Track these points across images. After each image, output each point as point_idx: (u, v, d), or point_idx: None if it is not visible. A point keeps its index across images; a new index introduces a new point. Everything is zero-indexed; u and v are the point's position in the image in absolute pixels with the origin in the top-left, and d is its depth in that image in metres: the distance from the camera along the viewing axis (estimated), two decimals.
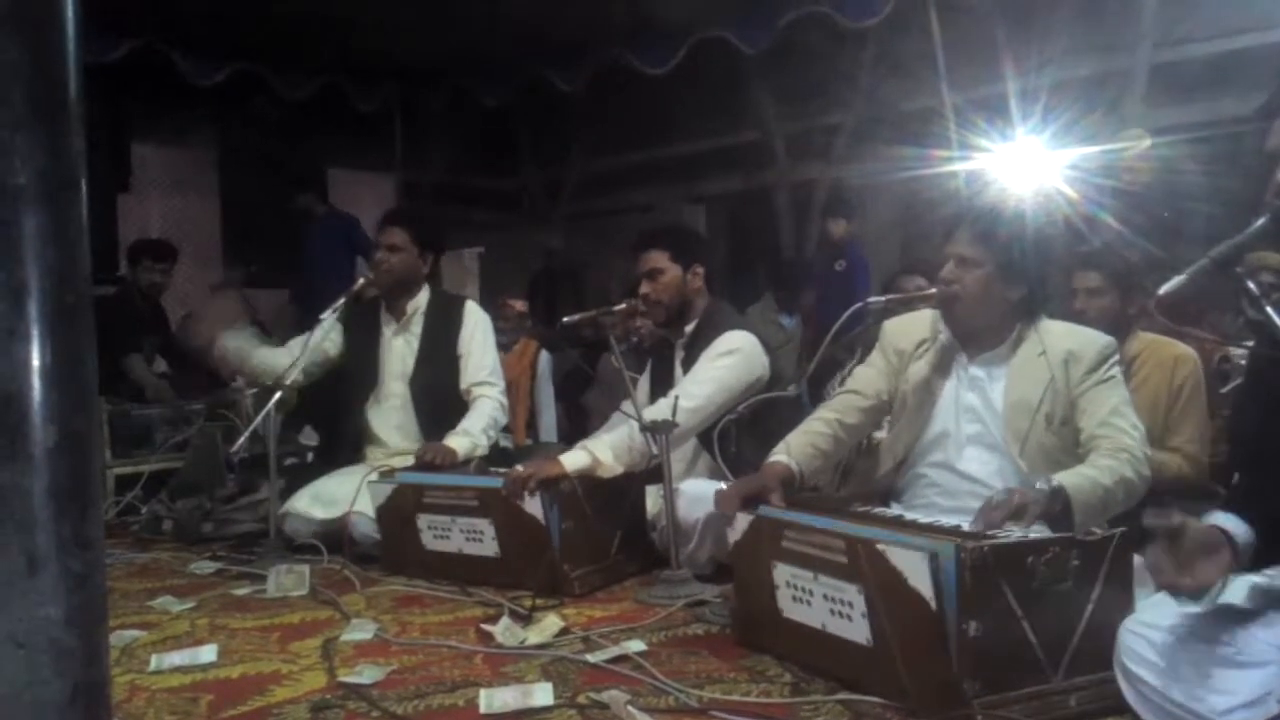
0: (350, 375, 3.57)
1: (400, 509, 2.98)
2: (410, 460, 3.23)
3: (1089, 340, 2.26)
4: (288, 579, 2.86)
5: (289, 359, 3.42)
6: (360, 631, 2.44)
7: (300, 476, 3.52)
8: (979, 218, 2.31)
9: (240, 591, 2.88)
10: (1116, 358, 2.27)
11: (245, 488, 3.77)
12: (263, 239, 6.87)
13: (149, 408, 4.51)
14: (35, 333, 0.67)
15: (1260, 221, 1.47)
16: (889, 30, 5.79)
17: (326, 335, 3.48)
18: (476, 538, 2.84)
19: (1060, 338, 2.27)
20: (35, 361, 0.67)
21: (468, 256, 8.58)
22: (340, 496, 3.24)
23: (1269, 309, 1.42)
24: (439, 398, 3.45)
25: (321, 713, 1.94)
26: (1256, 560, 1.51)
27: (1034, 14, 5.71)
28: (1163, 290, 1.51)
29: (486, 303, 4.13)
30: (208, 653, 2.28)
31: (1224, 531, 1.46)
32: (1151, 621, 1.60)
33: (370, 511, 3.11)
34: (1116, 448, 2.12)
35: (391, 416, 3.51)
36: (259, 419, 3.17)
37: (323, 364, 3.56)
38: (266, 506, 3.42)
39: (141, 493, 4.06)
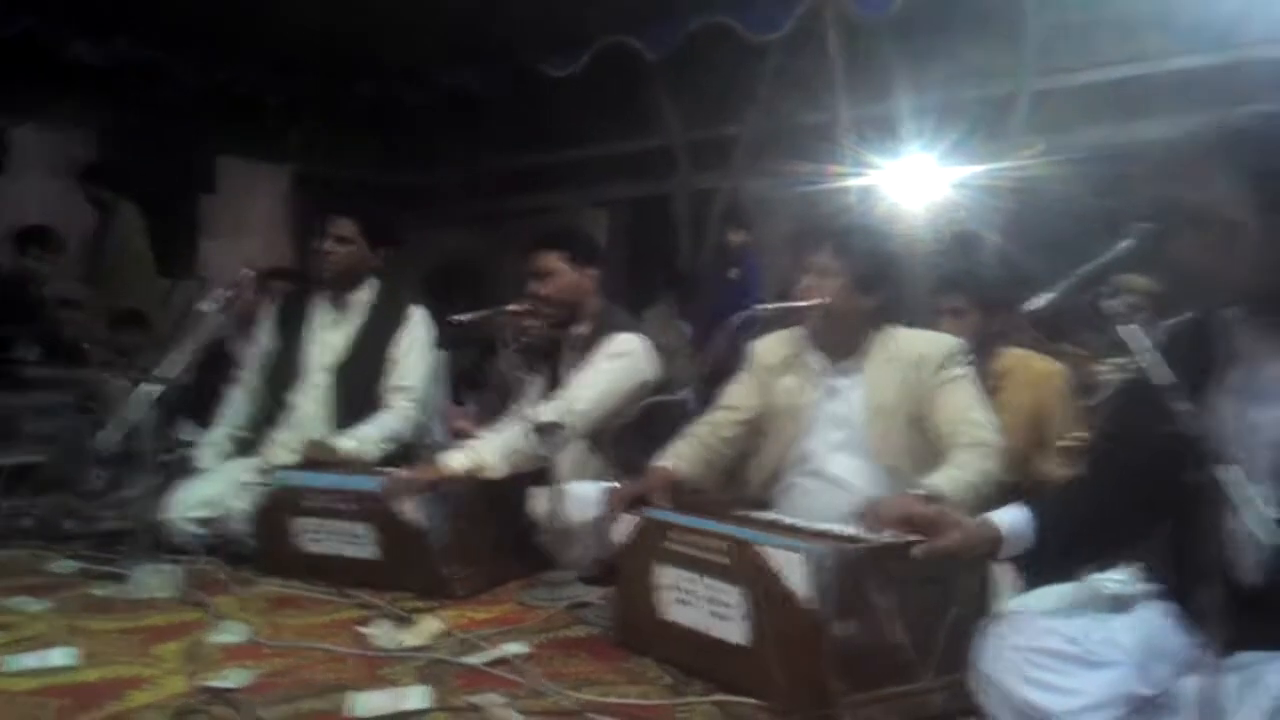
0: (275, 360, 3.45)
1: (277, 510, 2.91)
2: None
3: (937, 341, 2.38)
4: (155, 579, 2.74)
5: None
6: (230, 634, 2.35)
7: (181, 472, 3.39)
8: (835, 231, 2.44)
9: (103, 592, 2.75)
10: (965, 357, 2.37)
11: (114, 483, 3.61)
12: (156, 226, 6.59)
13: (15, 397, 4.29)
14: None
15: (1125, 243, 1.52)
16: (789, 45, 5.91)
17: (217, 328, 3.35)
18: (355, 541, 2.78)
19: (910, 342, 2.38)
20: None
21: None
22: (218, 496, 3.13)
23: (1119, 328, 1.48)
24: (358, 392, 3.34)
25: (182, 718, 1.87)
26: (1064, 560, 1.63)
27: (925, 37, 5.90)
28: (1030, 306, 1.57)
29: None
30: (62, 655, 2.17)
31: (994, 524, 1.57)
32: (1008, 622, 1.65)
33: (245, 513, 3.02)
34: (974, 442, 2.21)
35: (309, 405, 3.38)
36: (136, 412, 3.03)
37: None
38: (136, 504, 3.27)
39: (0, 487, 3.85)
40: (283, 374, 3.40)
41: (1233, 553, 1.44)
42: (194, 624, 2.45)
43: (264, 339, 3.49)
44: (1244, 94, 5.70)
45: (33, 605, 2.60)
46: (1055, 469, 2.79)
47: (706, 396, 3.41)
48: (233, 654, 2.22)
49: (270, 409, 3.41)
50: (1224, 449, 1.38)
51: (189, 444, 4.24)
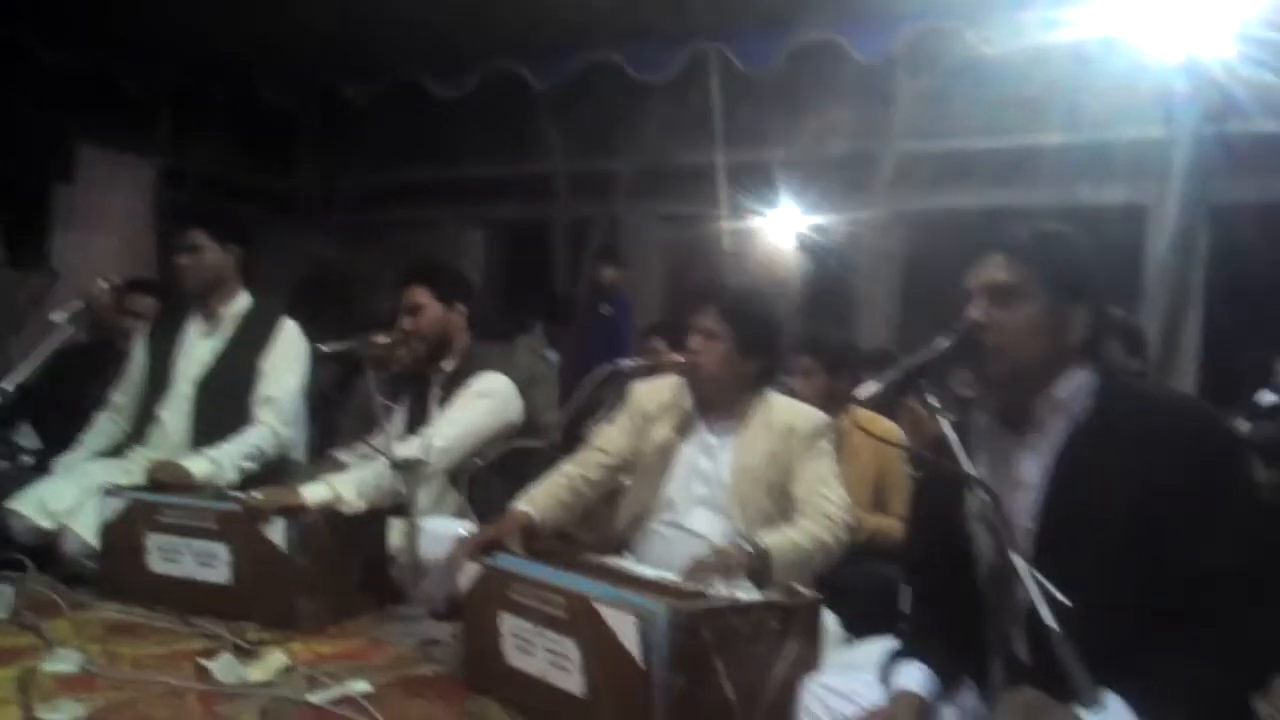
0: (145, 376, 3.34)
1: (130, 526, 2.84)
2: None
3: (808, 416, 2.50)
4: None
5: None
6: (64, 662, 2.29)
7: (17, 482, 3.25)
8: (724, 294, 2.52)
9: None
10: (831, 434, 2.52)
11: None
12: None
13: None
14: None
15: (946, 343, 1.67)
16: (674, 89, 6.09)
17: (67, 339, 3.25)
18: (209, 562, 2.74)
19: (784, 412, 2.50)
20: None
21: None
22: (62, 508, 3.02)
23: (944, 424, 1.63)
24: (224, 405, 3.25)
25: None
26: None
27: (802, 93, 6.17)
28: (859, 394, 1.71)
29: None
30: None
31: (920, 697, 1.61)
32: (829, 684, 1.79)
33: (84, 530, 2.93)
34: (819, 513, 2.35)
35: (176, 419, 3.28)
36: None
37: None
38: None
39: None
40: (151, 389, 3.32)
41: (1009, 629, 1.61)
42: (26, 650, 2.38)
43: (137, 355, 3.38)
44: (1091, 171, 6.17)
45: None
46: (894, 523, 2.98)
47: (572, 434, 3.50)
48: (66, 685, 2.17)
49: (140, 426, 3.31)
50: (1016, 536, 1.55)
51: (28, 451, 4.08)
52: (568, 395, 4.50)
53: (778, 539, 2.20)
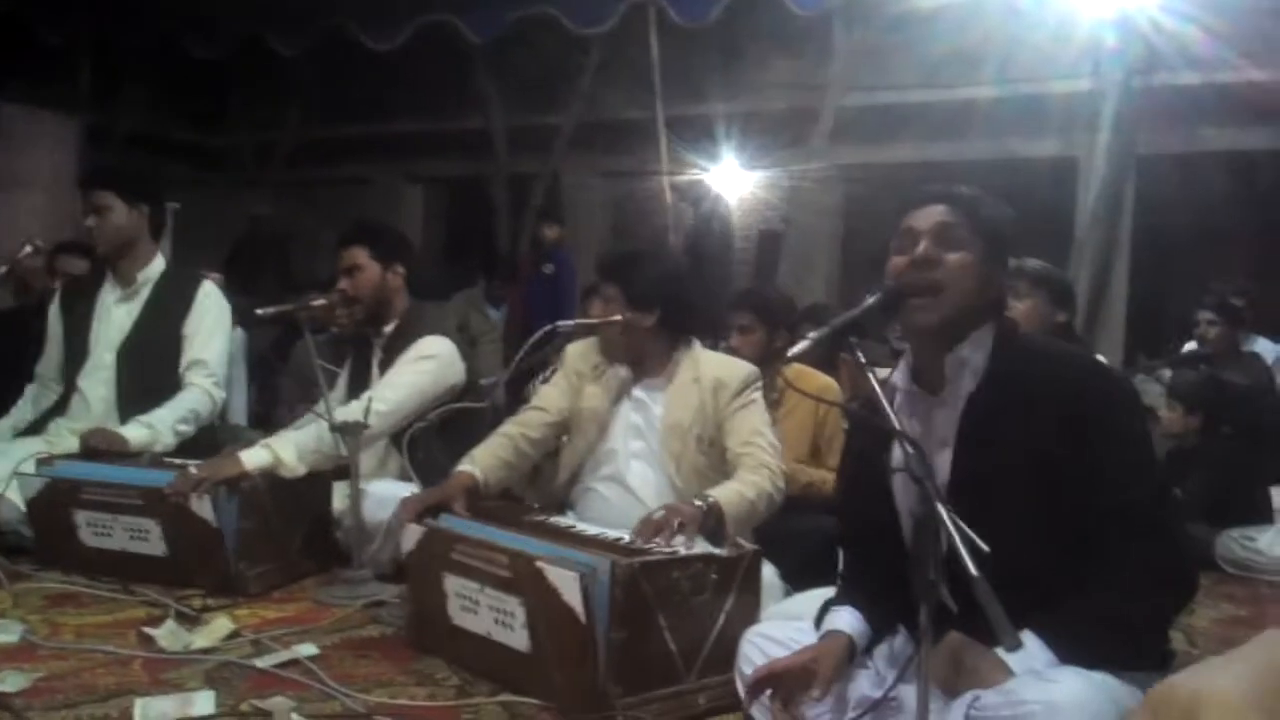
0: (63, 345, 3.27)
1: (55, 503, 2.80)
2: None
3: (735, 369, 2.56)
4: None
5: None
6: (4, 633, 2.28)
7: None
8: (612, 261, 2.63)
9: None
10: (758, 384, 2.58)
11: None
12: None
13: None
14: None
15: (872, 299, 1.72)
16: (612, 41, 6.05)
17: None
18: (142, 536, 2.72)
19: (712, 366, 2.55)
20: None
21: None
22: None
23: (871, 379, 1.68)
24: (149, 374, 3.19)
25: None
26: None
27: (741, 47, 6.17)
28: (791, 352, 1.75)
29: (178, 263, 3.84)
30: None
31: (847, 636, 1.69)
32: (767, 633, 1.85)
33: (20, 499, 2.89)
34: (757, 464, 2.41)
35: (97, 389, 3.21)
36: None
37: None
38: None
39: None
40: (70, 358, 3.25)
41: (934, 577, 1.68)
42: None
43: (51, 324, 3.31)
44: (1024, 124, 6.29)
45: None
46: (828, 476, 3.05)
47: (515, 394, 3.53)
48: (8, 655, 2.16)
49: (60, 395, 3.26)
50: (937, 487, 1.62)
51: None
52: (512, 355, 4.52)
53: (726, 493, 2.25)
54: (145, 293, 3.27)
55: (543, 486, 2.96)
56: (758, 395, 2.53)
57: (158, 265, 3.31)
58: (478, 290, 5.83)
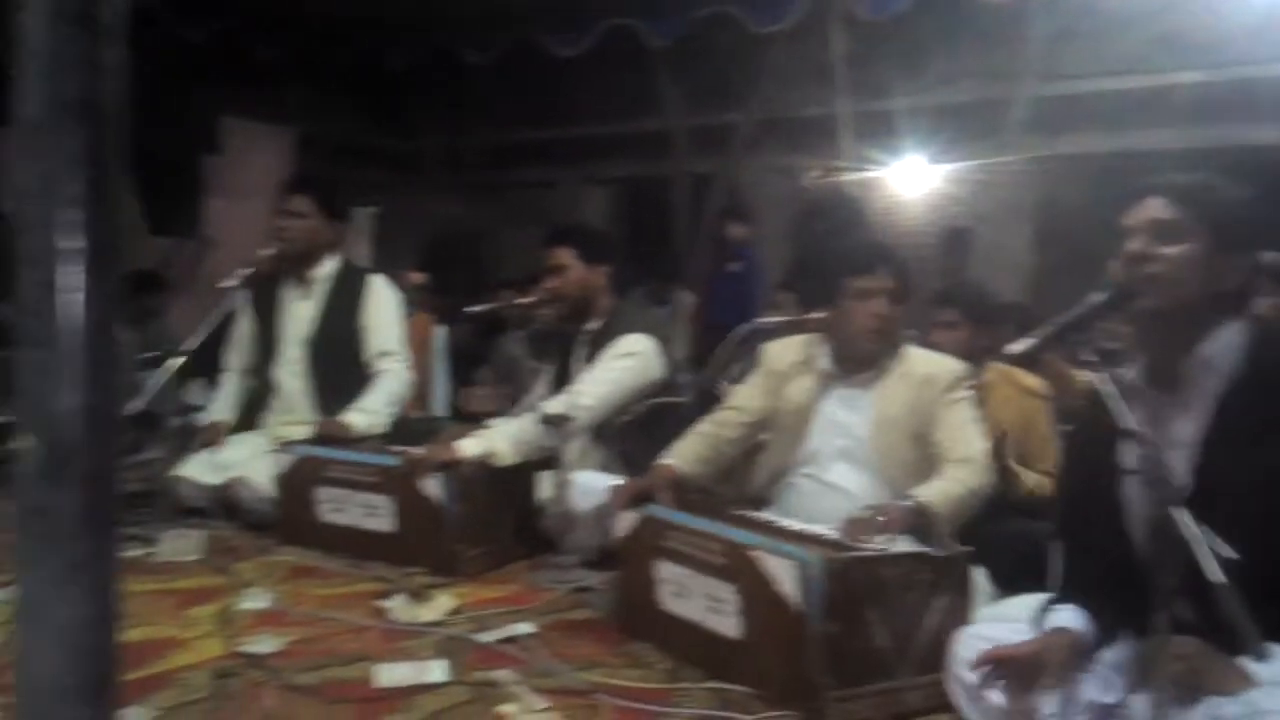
0: (254, 340, 3.58)
1: (300, 480, 3.07)
2: (304, 430, 3.31)
3: (945, 365, 2.54)
4: (180, 543, 2.91)
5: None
6: (256, 600, 2.52)
7: (192, 437, 3.53)
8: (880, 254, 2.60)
9: (129, 554, 2.89)
10: (968, 382, 2.54)
11: (134, 447, 3.74)
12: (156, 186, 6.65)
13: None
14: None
15: (1100, 297, 1.68)
16: (792, 38, 6.02)
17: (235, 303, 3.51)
18: (374, 513, 2.95)
19: (920, 363, 2.54)
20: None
21: (361, 216, 8.48)
22: (233, 463, 3.29)
23: (1104, 378, 1.64)
24: (337, 365, 3.48)
25: (223, 680, 2.03)
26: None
27: (928, 37, 6.02)
28: (1012, 350, 1.73)
29: (378, 266, 4.11)
30: None
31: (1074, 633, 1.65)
32: (982, 633, 1.84)
33: (258, 479, 3.18)
34: (964, 458, 2.38)
35: (291, 380, 3.52)
36: (159, 379, 3.20)
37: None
38: (154, 467, 3.42)
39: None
40: (263, 351, 3.56)
41: (1169, 583, 1.63)
42: (221, 589, 2.62)
43: (242, 321, 3.61)
44: (1235, 110, 5.87)
45: None
46: (1044, 480, 2.97)
47: (707, 390, 3.59)
48: (261, 620, 2.39)
49: (255, 387, 3.57)
50: (1178, 491, 1.57)
51: (199, 408, 4.39)
52: (698, 353, 4.59)
53: (932, 492, 2.25)
54: (321, 288, 3.54)
55: (736, 484, 3.02)
56: (968, 392, 2.51)
57: (332, 264, 3.57)
58: (642, 290, 5.92)
